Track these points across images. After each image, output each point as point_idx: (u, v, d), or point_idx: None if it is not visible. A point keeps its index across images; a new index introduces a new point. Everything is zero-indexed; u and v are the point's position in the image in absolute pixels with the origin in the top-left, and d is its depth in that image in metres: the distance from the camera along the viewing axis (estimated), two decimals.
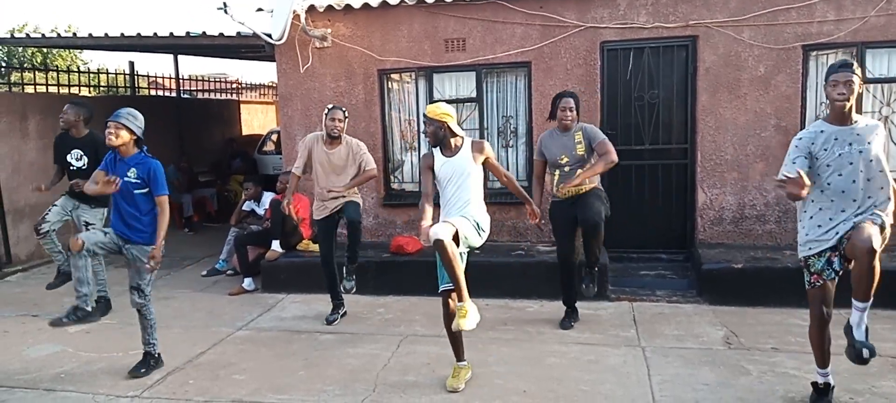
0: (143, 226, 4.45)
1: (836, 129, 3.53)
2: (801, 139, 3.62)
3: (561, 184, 5.05)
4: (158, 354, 4.66)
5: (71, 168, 5.94)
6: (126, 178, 4.40)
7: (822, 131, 3.56)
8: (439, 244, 3.81)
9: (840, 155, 3.49)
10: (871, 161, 3.48)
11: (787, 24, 6.12)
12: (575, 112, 5.06)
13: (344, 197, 5.47)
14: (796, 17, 6.10)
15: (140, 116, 4.51)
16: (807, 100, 6.24)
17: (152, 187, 4.44)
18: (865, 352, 3.40)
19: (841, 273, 3.56)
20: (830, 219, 3.54)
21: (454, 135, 4.17)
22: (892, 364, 4.32)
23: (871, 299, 3.39)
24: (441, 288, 4.15)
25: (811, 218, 3.62)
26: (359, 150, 5.49)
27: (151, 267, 4.41)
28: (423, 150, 7.06)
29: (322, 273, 5.64)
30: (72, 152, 5.90)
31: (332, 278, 5.64)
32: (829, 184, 3.52)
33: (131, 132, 4.41)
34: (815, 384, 3.81)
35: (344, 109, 5.47)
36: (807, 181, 3.25)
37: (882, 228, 3.42)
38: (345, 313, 5.72)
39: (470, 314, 3.88)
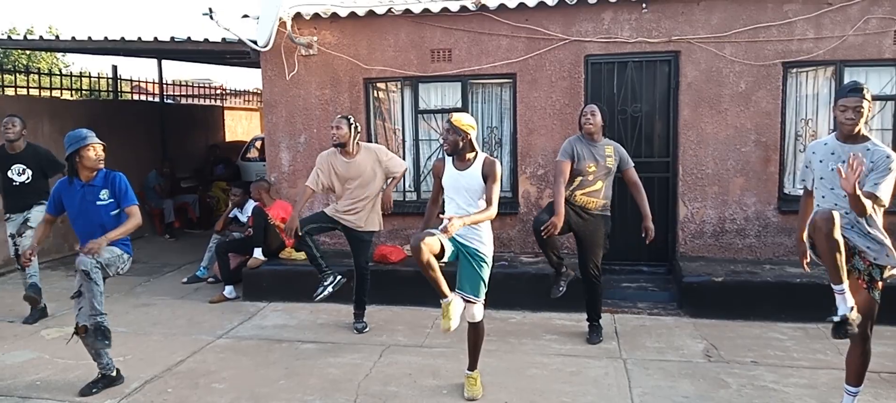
0: (118, 245, 4.28)
1: (838, 145, 3.60)
2: (807, 148, 3.79)
3: (579, 191, 5.07)
4: (116, 369, 4.48)
5: (13, 184, 5.80)
6: (99, 202, 4.22)
7: (825, 143, 3.68)
8: (415, 250, 3.74)
9: (832, 170, 3.53)
10: (862, 185, 3.43)
11: (767, 42, 6.22)
12: (598, 118, 5.09)
13: (361, 221, 5.41)
14: (777, 34, 6.20)
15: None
16: (786, 116, 6.34)
17: (121, 200, 4.25)
18: None
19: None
20: None
21: (473, 149, 4.10)
22: (868, 378, 4.36)
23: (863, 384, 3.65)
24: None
25: None
26: (384, 156, 5.48)
27: (87, 249, 4.03)
28: (407, 160, 7.07)
29: (303, 244, 5.37)
30: (12, 167, 5.77)
31: (311, 249, 5.39)
32: (823, 197, 3.62)
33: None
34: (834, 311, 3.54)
35: (350, 118, 5.37)
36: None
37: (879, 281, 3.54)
38: (331, 279, 5.46)
39: (454, 311, 3.92)
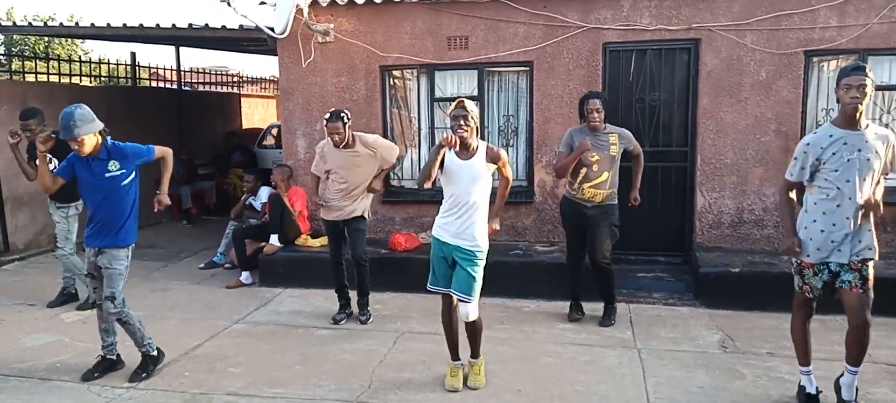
0: (122, 228, 4.25)
1: (845, 133, 3.54)
2: (808, 145, 3.63)
3: (586, 184, 5.12)
4: (157, 349, 4.54)
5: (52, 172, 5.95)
6: (108, 174, 4.17)
7: (830, 135, 3.57)
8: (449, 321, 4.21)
9: (848, 160, 3.51)
10: (874, 171, 3.53)
11: (789, 30, 6.12)
12: (603, 114, 5.11)
13: (353, 207, 5.41)
14: (799, 22, 6.10)
15: (87, 110, 4.10)
16: (808, 105, 6.24)
17: (144, 156, 4.32)
18: None
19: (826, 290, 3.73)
20: (834, 225, 3.58)
21: (474, 137, 3.98)
22: (886, 371, 4.33)
23: (862, 365, 3.66)
24: (430, 289, 4.20)
25: (814, 221, 3.66)
26: (375, 145, 5.42)
27: (157, 206, 4.51)
28: (423, 148, 7.06)
29: (331, 271, 5.61)
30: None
31: (339, 277, 5.59)
32: (838, 188, 3.54)
33: (94, 133, 4.10)
34: (801, 388, 3.89)
35: (344, 114, 5.25)
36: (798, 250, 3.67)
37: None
38: (350, 313, 5.62)
39: (462, 376, 4.25)
